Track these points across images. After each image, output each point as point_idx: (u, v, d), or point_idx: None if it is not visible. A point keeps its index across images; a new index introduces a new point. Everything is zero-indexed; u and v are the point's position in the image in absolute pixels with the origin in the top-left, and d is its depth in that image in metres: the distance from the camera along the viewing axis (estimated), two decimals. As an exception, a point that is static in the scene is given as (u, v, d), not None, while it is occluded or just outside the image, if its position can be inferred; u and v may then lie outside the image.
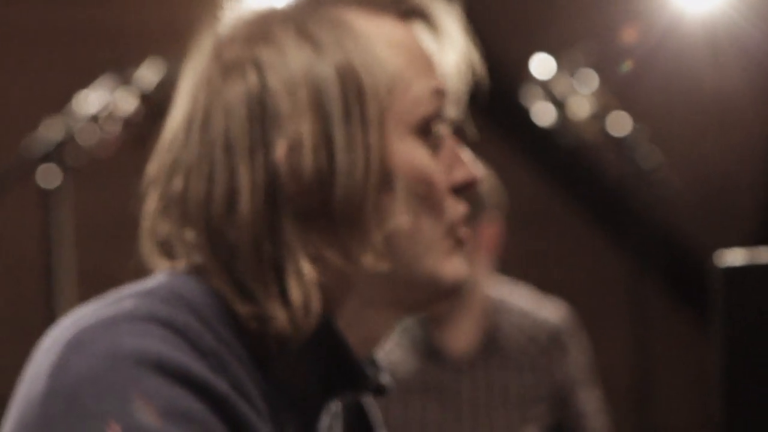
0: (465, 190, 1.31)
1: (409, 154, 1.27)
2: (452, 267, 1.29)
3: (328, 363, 1.26)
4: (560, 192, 5.20)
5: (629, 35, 4.12)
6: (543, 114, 3.56)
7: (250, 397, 1.20)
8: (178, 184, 1.27)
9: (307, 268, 1.22)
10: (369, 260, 1.24)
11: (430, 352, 3.12)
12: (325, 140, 1.23)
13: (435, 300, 1.32)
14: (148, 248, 1.31)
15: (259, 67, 1.25)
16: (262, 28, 1.28)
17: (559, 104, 3.50)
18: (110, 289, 1.30)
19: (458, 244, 1.30)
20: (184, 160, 1.27)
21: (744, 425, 1.69)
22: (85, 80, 3.23)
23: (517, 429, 3.13)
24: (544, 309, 3.26)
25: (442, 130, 1.31)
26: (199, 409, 1.15)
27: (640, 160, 3.67)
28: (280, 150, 1.23)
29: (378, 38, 1.28)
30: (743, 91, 4.88)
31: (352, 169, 1.23)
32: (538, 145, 4.74)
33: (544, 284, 3.79)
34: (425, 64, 1.30)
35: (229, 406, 1.17)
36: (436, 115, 1.29)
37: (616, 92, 3.67)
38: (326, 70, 1.24)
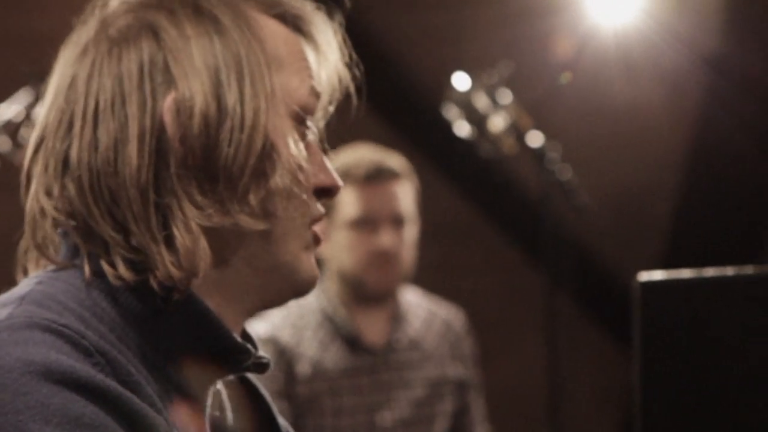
0: (325, 194, 1.33)
1: (289, 135, 1.29)
2: (308, 263, 1.31)
3: (202, 341, 1.26)
4: (476, 204, 5.23)
5: (545, 53, 4.17)
6: (462, 128, 3.61)
7: (141, 388, 1.19)
8: (62, 146, 1.28)
9: (193, 214, 1.23)
10: (246, 219, 1.25)
11: (350, 340, 3.18)
12: (215, 99, 1.25)
13: (288, 294, 1.33)
14: (24, 249, 1.30)
15: (155, 32, 1.27)
16: (159, 2, 1.30)
17: (477, 120, 3.55)
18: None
19: (315, 241, 1.32)
20: (65, 123, 1.28)
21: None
22: (3, 89, 3.20)
23: (421, 410, 3.21)
24: (446, 309, 3.36)
25: (312, 132, 1.33)
26: (92, 412, 1.13)
27: (555, 172, 3.72)
28: (170, 104, 1.25)
29: (267, 28, 1.31)
30: (657, 106, 4.96)
31: (240, 130, 1.24)
32: (456, 158, 4.78)
33: (458, 295, 3.82)
34: (305, 66, 1.33)
35: (122, 403, 1.15)
36: (311, 112, 1.32)
37: (531, 110, 3.71)
38: (221, 38, 1.27)
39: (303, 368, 3.14)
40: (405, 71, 4.93)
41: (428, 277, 3.63)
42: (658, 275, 1.80)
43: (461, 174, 5.11)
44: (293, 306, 3.20)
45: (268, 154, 1.26)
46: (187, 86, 1.25)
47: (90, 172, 1.25)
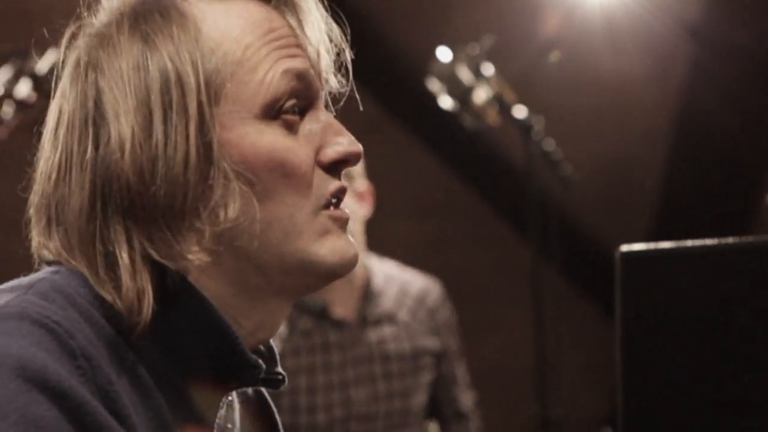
0: (340, 166, 1.29)
1: (256, 138, 1.25)
2: (330, 246, 1.27)
3: (214, 353, 1.25)
4: (461, 178, 5.23)
5: (529, 26, 4.16)
6: (445, 101, 3.61)
7: (117, 398, 1.18)
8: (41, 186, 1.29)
9: (128, 263, 1.22)
10: (196, 255, 1.22)
11: (317, 314, 3.19)
12: (146, 137, 1.22)
13: (322, 281, 1.30)
14: (36, 242, 1.30)
15: (95, 70, 1.26)
16: (107, 28, 1.29)
17: (461, 92, 3.54)
18: (2, 275, 1.29)
19: (334, 221, 1.28)
20: (44, 162, 1.29)
21: (642, 405, 1.72)
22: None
23: (397, 383, 3.22)
24: (421, 280, 3.36)
25: (313, 107, 1.29)
26: (51, 417, 1.12)
27: (540, 144, 3.72)
28: (106, 150, 1.23)
29: (220, 25, 1.27)
30: (642, 78, 4.95)
31: (171, 164, 1.21)
32: (442, 131, 4.77)
33: (446, 269, 3.82)
34: (281, 44, 1.28)
35: (85, 413, 1.14)
36: (290, 96, 1.27)
37: (515, 83, 3.71)
38: (152, 67, 1.24)
39: (276, 345, 3.15)
40: (388, 45, 4.92)
41: (413, 251, 3.64)
42: (639, 247, 1.80)
43: (446, 147, 5.10)
44: None
45: (214, 182, 1.23)
46: (120, 130, 1.23)
47: (48, 221, 1.27)
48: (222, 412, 1.30)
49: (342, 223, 1.29)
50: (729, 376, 1.64)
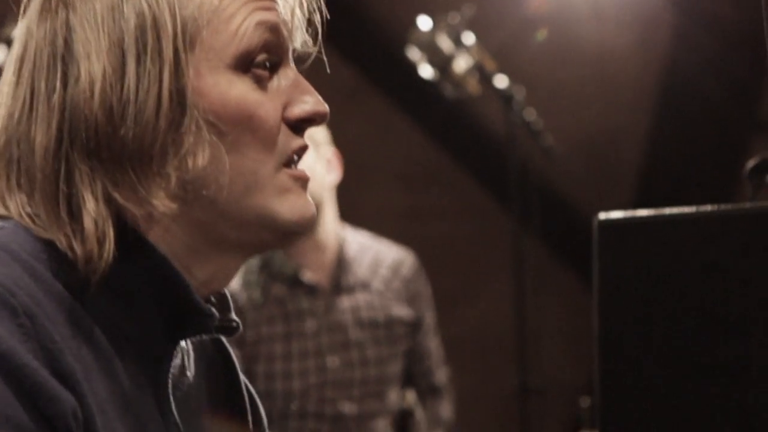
0: (305, 124, 1.29)
1: (226, 88, 1.24)
2: (290, 204, 1.27)
3: (166, 303, 1.24)
4: (442, 148, 5.21)
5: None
6: (426, 70, 3.59)
7: (61, 356, 1.15)
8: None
9: (92, 206, 1.21)
10: (161, 201, 1.22)
11: (289, 281, 3.19)
12: (118, 79, 1.21)
13: (279, 238, 1.29)
14: None
15: (67, 8, 1.25)
16: None
17: (441, 61, 3.53)
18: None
19: (295, 180, 1.28)
20: (6, 98, 1.27)
21: (619, 372, 1.71)
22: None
23: (371, 351, 3.22)
24: (396, 251, 3.35)
25: (282, 64, 1.29)
26: None
27: (522, 114, 3.72)
28: (75, 88, 1.22)
29: None
30: (626, 48, 4.94)
31: (142, 107, 1.21)
32: (422, 101, 4.75)
33: (426, 239, 3.81)
34: None
35: (23, 375, 1.13)
36: (263, 49, 1.27)
37: (496, 53, 3.69)
38: (127, 9, 1.23)
39: (250, 312, 3.15)
40: (369, 14, 4.89)
41: (393, 222, 3.62)
42: (617, 214, 1.79)
43: (426, 116, 5.08)
44: None
45: (184, 129, 1.22)
46: (90, 70, 1.22)
47: (8, 162, 1.25)
48: (176, 361, 1.29)
49: (303, 182, 1.28)
50: (707, 343, 1.63)
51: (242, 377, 1.43)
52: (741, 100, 4.92)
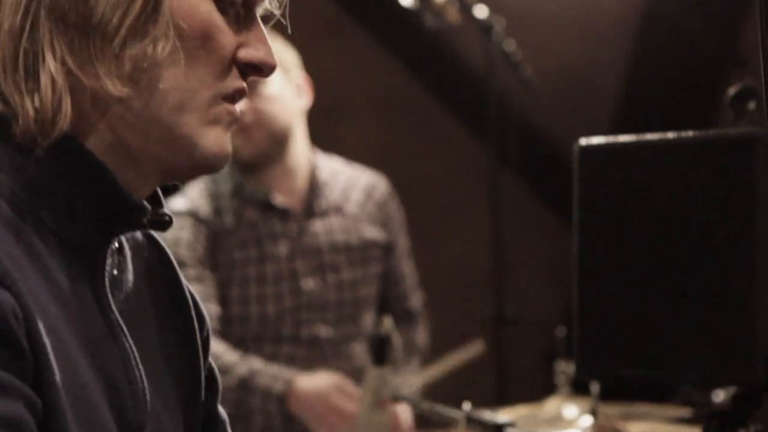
0: (251, 71, 1.32)
1: (197, 2, 1.27)
2: (215, 136, 1.29)
3: (96, 199, 1.25)
4: (420, 79, 5.18)
5: None
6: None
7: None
8: None
9: (51, 64, 1.21)
10: (113, 81, 1.23)
11: (262, 205, 3.18)
12: None
13: (191, 165, 1.31)
14: None
15: None
16: None
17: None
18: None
19: (227, 114, 1.30)
20: None
21: (597, 298, 1.71)
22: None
23: (346, 274, 3.22)
24: (369, 175, 3.35)
25: (251, 12, 1.31)
26: None
27: (501, 44, 3.69)
28: None
29: None
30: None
31: None
32: (401, 31, 4.72)
33: (403, 171, 3.80)
34: None
35: None
36: None
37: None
38: None
39: (223, 237, 3.14)
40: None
41: (371, 155, 3.60)
42: (597, 140, 1.78)
43: (404, 47, 5.05)
44: (209, 177, 3.18)
45: (153, 18, 1.23)
46: None
47: None
48: (110, 259, 1.29)
49: (232, 119, 1.31)
50: (687, 269, 1.62)
51: (183, 278, 1.44)
52: (720, 32, 4.90)
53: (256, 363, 3.04)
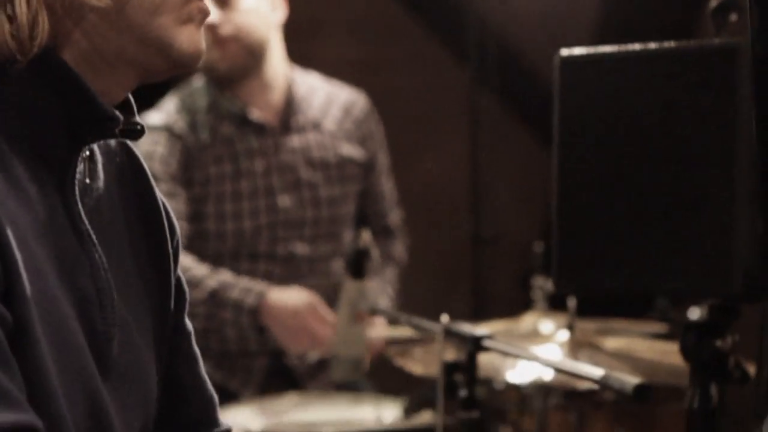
0: None
1: None
2: (188, 34, 1.30)
3: (68, 107, 1.25)
4: None
5: None
6: None
7: None
8: None
9: None
10: None
11: (238, 119, 3.16)
12: None
13: (170, 67, 1.32)
14: None
15: None
16: None
17: None
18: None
19: (198, 11, 1.31)
20: None
21: (577, 208, 1.71)
22: None
23: (323, 191, 3.21)
24: (348, 91, 3.32)
25: None
26: None
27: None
28: None
29: None
30: None
31: None
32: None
33: (382, 91, 3.77)
34: None
35: None
36: None
37: None
38: None
39: (198, 153, 3.11)
40: None
41: (349, 74, 3.57)
42: (579, 51, 1.77)
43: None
44: (185, 92, 3.16)
45: None
46: None
47: None
48: (81, 167, 1.29)
49: (203, 17, 1.31)
50: (666, 179, 1.62)
51: (155, 186, 1.44)
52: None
53: (226, 276, 3.02)
